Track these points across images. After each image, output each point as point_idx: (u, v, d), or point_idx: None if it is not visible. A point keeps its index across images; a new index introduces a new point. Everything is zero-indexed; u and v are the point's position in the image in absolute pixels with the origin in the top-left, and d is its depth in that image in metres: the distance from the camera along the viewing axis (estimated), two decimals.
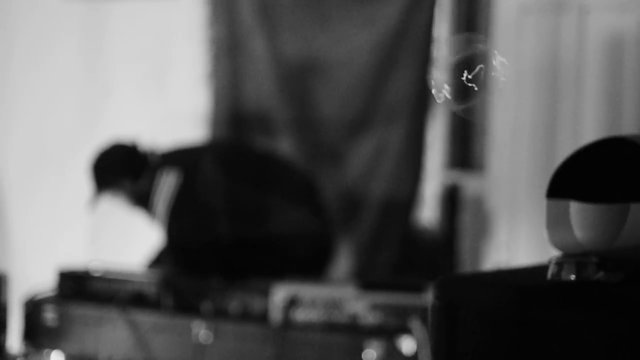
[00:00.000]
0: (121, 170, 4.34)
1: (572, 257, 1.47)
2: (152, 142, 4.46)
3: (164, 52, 5.05)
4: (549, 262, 1.51)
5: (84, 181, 4.52)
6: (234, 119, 4.86)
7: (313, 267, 4.38)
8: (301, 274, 4.09)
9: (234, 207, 4.38)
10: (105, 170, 4.34)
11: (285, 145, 4.73)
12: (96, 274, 4.05)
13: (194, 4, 4.92)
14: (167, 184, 4.28)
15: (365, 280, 4.01)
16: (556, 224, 1.52)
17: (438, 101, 4.62)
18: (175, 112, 4.78)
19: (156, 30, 5.06)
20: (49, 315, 3.97)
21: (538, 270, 1.54)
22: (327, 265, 4.47)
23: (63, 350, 3.94)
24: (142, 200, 4.35)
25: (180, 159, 4.40)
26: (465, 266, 4.51)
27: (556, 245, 1.54)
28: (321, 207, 4.54)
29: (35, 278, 4.74)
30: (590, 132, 4.29)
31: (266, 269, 4.22)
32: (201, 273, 4.12)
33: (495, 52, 4.51)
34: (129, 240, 5.02)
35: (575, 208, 1.50)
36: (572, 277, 1.45)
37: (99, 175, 4.34)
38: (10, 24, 5.35)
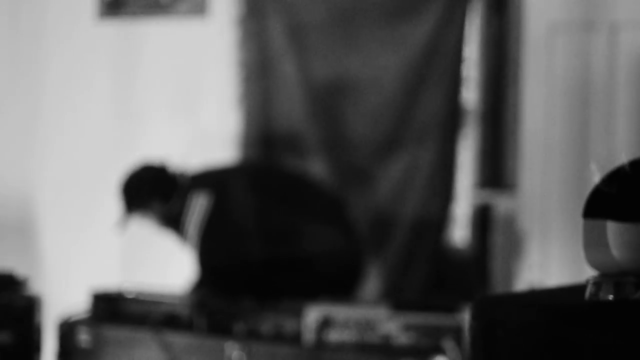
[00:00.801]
0: (150, 191, 4.35)
1: (610, 276, 1.47)
2: (182, 163, 4.48)
3: (195, 74, 5.08)
4: (587, 281, 1.51)
5: (116, 203, 4.55)
6: (265, 140, 4.88)
7: (343, 287, 4.38)
8: (332, 294, 4.09)
9: (264, 227, 4.39)
10: (135, 191, 4.35)
11: (315, 166, 4.75)
12: (129, 296, 4.07)
13: (225, 26, 4.95)
14: (198, 206, 4.29)
15: (397, 300, 4.01)
16: (593, 243, 1.52)
17: (468, 120, 4.62)
18: (207, 134, 4.80)
19: (187, 53, 5.10)
20: (83, 337, 3.99)
21: (575, 290, 1.54)
22: (357, 284, 4.47)
23: None
24: (173, 221, 4.36)
25: (211, 180, 4.41)
26: (497, 286, 4.50)
27: (594, 265, 1.54)
28: (350, 226, 4.54)
29: (69, 300, 4.77)
30: (622, 150, 4.28)
31: (297, 289, 4.23)
32: (234, 295, 4.13)
33: (525, 71, 4.51)
34: (161, 261, 5.04)
35: (612, 228, 1.50)
36: (611, 296, 1.46)
37: (129, 196, 4.35)
38: (44, 46, 5.40)
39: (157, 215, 4.37)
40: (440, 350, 3.56)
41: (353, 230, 4.54)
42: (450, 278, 4.63)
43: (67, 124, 5.35)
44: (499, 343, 1.43)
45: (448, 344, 3.57)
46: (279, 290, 4.24)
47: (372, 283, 4.63)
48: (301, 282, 4.35)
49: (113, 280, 4.88)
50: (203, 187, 4.35)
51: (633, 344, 1.33)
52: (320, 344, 3.69)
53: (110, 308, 4.04)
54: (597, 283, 1.46)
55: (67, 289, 5.10)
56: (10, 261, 4.92)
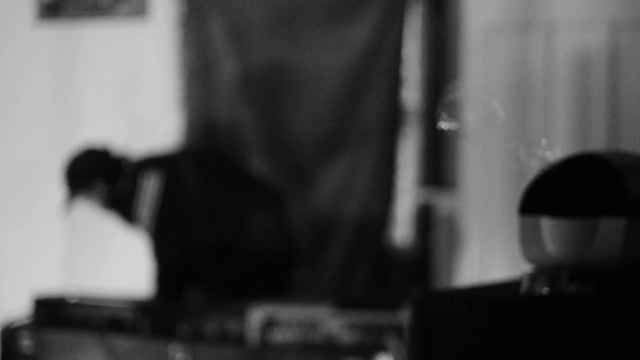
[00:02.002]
0: (93, 171, 4.37)
1: (545, 271, 1.50)
2: (124, 147, 4.49)
3: (135, 76, 5.06)
4: (522, 276, 1.54)
5: (56, 207, 4.52)
6: (207, 141, 4.88)
7: (274, 274, 4.46)
8: (262, 281, 4.15)
9: (211, 209, 4.45)
10: (78, 172, 4.37)
11: (258, 167, 4.76)
12: (72, 300, 4.05)
13: (166, 28, 4.94)
14: (150, 187, 4.31)
15: (340, 299, 4.03)
16: (528, 239, 1.55)
17: (409, 120, 4.66)
18: (148, 136, 4.79)
19: (128, 55, 5.08)
20: (26, 343, 3.96)
21: (511, 285, 1.57)
22: (288, 275, 4.53)
23: None
24: (119, 203, 4.38)
25: (160, 162, 4.46)
26: (439, 283, 4.54)
27: (529, 260, 1.57)
28: (285, 218, 4.61)
29: (10, 305, 4.73)
30: (559, 148, 4.33)
31: (235, 274, 4.29)
32: (185, 277, 4.18)
33: (464, 71, 4.55)
34: (103, 263, 5.01)
35: (546, 223, 1.53)
36: (546, 290, 1.48)
37: (72, 178, 4.36)
38: None
39: (101, 197, 4.38)
40: (383, 349, 3.58)
41: (287, 222, 4.60)
42: (393, 277, 4.66)
43: (5, 126, 5.31)
44: (437, 337, 1.46)
45: (391, 342, 3.59)
46: (221, 276, 4.29)
47: (316, 283, 4.65)
48: (239, 267, 4.41)
49: (55, 283, 4.85)
50: (152, 168, 4.39)
51: (567, 335, 1.36)
52: (265, 345, 3.71)
53: (53, 313, 4.01)
54: (533, 278, 1.49)
55: (7, 294, 5.05)
56: None
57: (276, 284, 4.52)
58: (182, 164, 4.52)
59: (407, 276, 4.62)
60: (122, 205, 4.38)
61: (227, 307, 3.92)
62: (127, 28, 5.06)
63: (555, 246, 1.52)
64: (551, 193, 1.59)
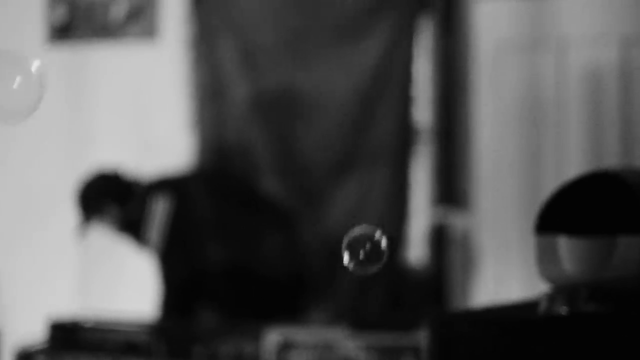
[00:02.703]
0: (105, 195, 4.42)
1: (563, 290, 1.49)
2: (135, 170, 4.52)
3: (146, 98, 5.07)
4: (540, 296, 1.53)
5: (71, 232, 4.53)
6: (219, 162, 4.88)
7: (287, 297, 4.46)
8: (275, 304, 4.15)
9: (222, 232, 4.47)
10: (90, 197, 4.42)
11: (269, 188, 4.75)
12: (87, 324, 4.05)
13: (176, 49, 4.95)
14: (159, 210, 4.35)
15: (356, 321, 4.02)
16: (545, 258, 1.54)
17: (420, 139, 4.65)
18: (159, 159, 4.79)
19: (139, 76, 5.09)
20: None
21: (529, 305, 1.56)
22: (301, 297, 4.52)
23: None
24: (131, 226, 4.43)
25: (170, 184, 4.50)
26: (454, 303, 4.52)
27: (546, 279, 1.56)
28: (297, 239, 4.61)
29: (26, 330, 4.73)
30: (573, 165, 4.33)
31: (244, 293, 4.30)
32: (197, 302, 4.18)
33: (476, 88, 4.55)
34: (117, 286, 5.01)
35: (563, 242, 1.52)
36: (564, 310, 1.47)
37: (85, 203, 4.42)
38: None
39: (114, 220, 4.43)
40: None
41: (298, 244, 4.60)
42: (407, 297, 4.65)
43: (17, 150, 5.32)
44: (455, 358, 1.45)
45: None
46: (232, 297, 4.30)
47: (329, 304, 4.64)
48: (250, 288, 4.42)
49: (69, 307, 4.85)
50: (162, 191, 4.42)
51: (587, 354, 1.35)
52: None
53: (69, 337, 4.01)
54: (551, 297, 1.48)
55: (24, 319, 5.05)
56: None
57: (287, 306, 4.51)
58: (193, 186, 4.55)
59: (422, 296, 4.60)
60: (134, 227, 4.41)
61: (243, 329, 3.91)
62: (137, 49, 5.08)
63: (572, 265, 1.51)
64: (567, 212, 1.58)
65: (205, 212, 4.47)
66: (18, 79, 1.52)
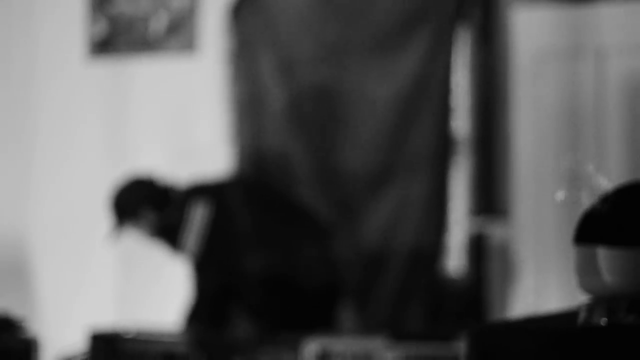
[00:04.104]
0: (142, 200, 4.39)
1: (602, 301, 1.49)
2: (170, 177, 4.53)
3: (186, 110, 5.10)
4: (580, 307, 1.53)
5: (104, 237, 4.55)
6: (257, 173, 4.89)
7: (321, 306, 4.45)
8: (310, 311, 4.14)
9: (259, 240, 4.46)
10: (126, 201, 4.40)
11: (308, 199, 4.76)
12: (127, 336, 4.07)
13: (215, 62, 4.97)
14: (197, 216, 4.34)
15: (395, 331, 4.01)
16: (585, 269, 1.54)
17: (459, 149, 4.64)
18: (198, 170, 4.82)
19: (178, 89, 5.12)
20: None
21: (568, 316, 1.56)
22: (334, 310, 4.51)
23: None
24: (167, 232, 4.40)
25: (209, 191, 4.48)
26: (494, 314, 4.50)
27: (586, 290, 1.56)
28: (332, 249, 4.61)
29: (66, 341, 4.77)
30: (612, 176, 4.30)
31: (280, 302, 4.30)
32: (231, 304, 4.18)
33: (514, 98, 4.53)
34: (156, 298, 5.03)
35: (603, 253, 1.52)
36: (604, 321, 1.47)
37: (120, 207, 4.40)
38: (34, 87, 5.42)
39: (149, 225, 4.40)
40: None
41: (334, 254, 4.60)
42: (446, 308, 4.64)
43: (60, 164, 5.36)
44: None
45: None
46: (267, 307, 4.29)
47: (370, 315, 4.63)
48: (286, 298, 4.41)
49: (109, 319, 4.88)
50: (201, 197, 4.41)
51: None
52: None
53: (109, 348, 4.03)
54: (590, 308, 1.48)
55: (63, 330, 5.09)
56: (5, 303, 4.92)
57: (323, 317, 4.50)
58: (232, 193, 4.54)
59: (461, 307, 4.59)
60: (170, 233, 4.40)
61: (282, 339, 3.91)
62: (177, 63, 5.11)
63: (612, 276, 1.51)
64: (607, 222, 1.58)
65: (243, 219, 4.47)
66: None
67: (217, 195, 4.46)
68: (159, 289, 4.94)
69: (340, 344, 3.72)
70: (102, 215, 4.69)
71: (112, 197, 4.45)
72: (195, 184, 4.54)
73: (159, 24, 5.15)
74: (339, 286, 4.58)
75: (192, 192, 4.47)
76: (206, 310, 4.35)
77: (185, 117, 5.10)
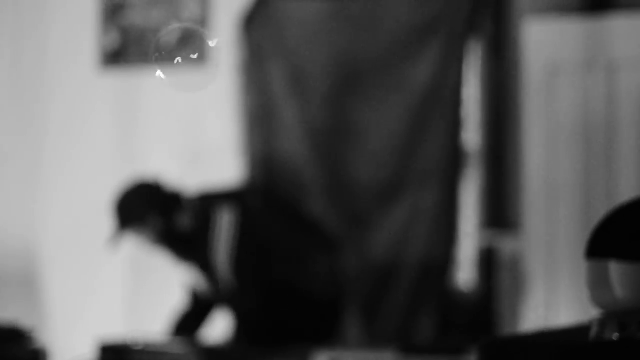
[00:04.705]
0: (149, 205, 4.24)
1: (614, 316, 1.48)
2: (177, 182, 4.45)
3: (197, 121, 5.10)
4: (591, 321, 1.52)
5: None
6: (269, 186, 4.89)
7: (325, 318, 4.41)
8: (313, 323, 4.12)
9: (277, 250, 4.42)
10: (133, 206, 4.24)
11: (319, 211, 4.76)
12: (136, 347, 4.06)
13: (226, 73, 4.98)
14: (224, 224, 4.22)
15: (405, 344, 4.00)
16: (597, 283, 1.53)
17: (470, 162, 4.64)
18: (211, 182, 4.81)
19: (189, 100, 5.12)
20: None
21: (580, 331, 1.55)
22: (336, 326, 4.48)
23: None
24: (173, 240, 4.26)
25: (232, 197, 4.34)
26: (504, 327, 4.49)
27: (597, 304, 1.55)
28: (342, 261, 4.58)
29: (74, 351, 4.76)
30: (624, 189, 4.29)
31: (283, 313, 4.27)
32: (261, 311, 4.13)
33: (525, 111, 4.52)
34: (165, 308, 5.03)
35: (615, 267, 1.51)
36: (616, 336, 1.46)
37: (125, 211, 4.23)
38: (45, 98, 5.43)
39: (154, 232, 4.24)
40: None
41: (340, 267, 4.58)
42: (456, 321, 4.62)
43: (70, 174, 5.37)
44: None
45: None
46: (271, 316, 4.25)
47: (378, 327, 4.62)
48: (290, 309, 4.37)
49: (119, 329, 4.87)
50: (224, 203, 4.27)
51: None
52: None
53: (118, 359, 4.03)
54: (602, 323, 1.47)
55: (72, 341, 5.09)
56: (14, 313, 4.92)
57: (328, 328, 4.47)
58: (252, 200, 4.48)
59: (471, 320, 4.58)
60: (178, 241, 4.27)
61: (292, 351, 3.90)
62: (188, 74, 5.11)
63: (624, 291, 1.50)
64: (619, 236, 1.57)
65: (264, 227, 4.40)
66: (195, 54, 1.65)
67: (240, 201, 4.31)
68: (169, 299, 4.93)
69: (349, 357, 3.71)
70: (113, 226, 4.68)
71: (116, 201, 4.30)
72: (215, 191, 4.43)
73: (170, 35, 5.16)
74: (345, 298, 4.56)
75: (211, 198, 4.33)
76: (260, 328, 4.23)
77: (195, 128, 5.10)
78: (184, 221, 4.27)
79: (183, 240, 4.28)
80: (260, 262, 4.32)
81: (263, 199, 4.67)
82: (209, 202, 4.30)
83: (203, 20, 5.08)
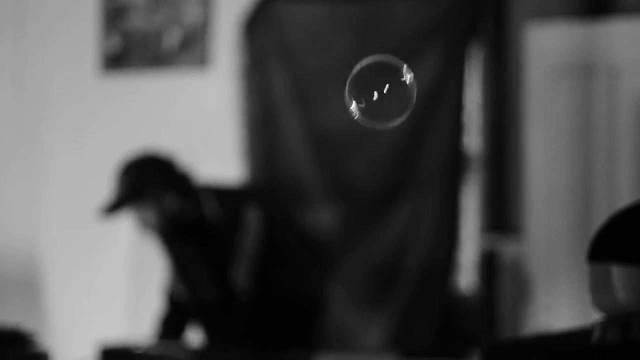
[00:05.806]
0: (166, 181, 3.73)
1: (616, 319, 1.48)
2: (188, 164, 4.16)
3: (198, 126, 5.11)
4: (593, 325, 1.52)
5: (122, 255, 4.55)
6: (270, 190, 4.90)
7: (300, 324, 4.38)
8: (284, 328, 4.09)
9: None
10: (147, 178, 3.73)
11: (320, 216, 4.76)
12: (138, 350, 4.06)
13: (228, 78, 4.98)
14: (252, 224, 3.85)
15: (405, 348, 4.00)
16: (599, 287, 1.53)
17: (471, 166, 4.64)
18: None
19: (190, 105, 5.13)
20: None
21: (581, 334, 1.55)
22: (313, 326, 4.45)
23: None
24: (176, 224, 3.87)
25: (255, 196, 4.12)
26: (505, 331, 4.49)
27: (599, 307, 1.55)
28: (342, 267, 4.58)
29: (76, 355, 4.76)
30: (625, 193, 4.29)
31: (284, 319, 4.25)
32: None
33: (527, 115, 4.53)
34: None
35: (617, 271, 1.51)
36: (617, 339, 1.46)
37: (135, 182, 3.73)
38: (47, 102, 5.43)
39: (159, 212, 3.74)
40: None
41: (346, 272, 4.57)
42: (458, 325, 4.63)
43: (72, 178, 5.37)
44: None
45: None
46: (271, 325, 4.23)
47: (380, 332, 4.62)
48: (294, 317, 4.35)
49: (120, 333, 4.88)
50: (251, 200, 3.99)
51: None
52: None
53: None
54: (604, 326, 1.47)
55: (74, 344, 5.09)
56: (16, 317, 4.92)
57: (299, 334, 4.40)
58: (274, 201, 4.45)
59: (472, 324, 4.58)
60: (180, 225, 3.89)
61: (290, 356, 3.90)
62: (189, 78, 5.12)
63: (626, 294, 1.50)
64: (621, 240, 1.57)
65: (285, 225, 4.36)
66: (388, 85, 1.68)
67: (266, 204, 4.00)
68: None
69: None
70: (115, 229, 4.69)
71: (121, 169, 3.83)
72: (239, 188, 4.28)
73: (172, 39, 5.16)
74: (320, 303, 4.49)
75: (238, 194, 4.03)
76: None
77: (197, 133, 5.10)
78: (190, 206, 3.83)
79: (195, 232, 3.92)
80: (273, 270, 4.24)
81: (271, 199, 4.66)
82: (234, 198, 3.94)
83: (204, 25, 5.09)
